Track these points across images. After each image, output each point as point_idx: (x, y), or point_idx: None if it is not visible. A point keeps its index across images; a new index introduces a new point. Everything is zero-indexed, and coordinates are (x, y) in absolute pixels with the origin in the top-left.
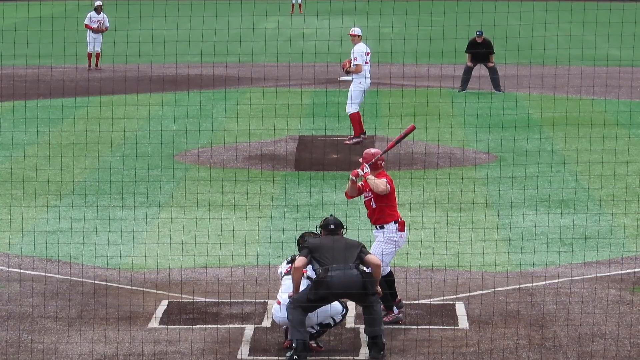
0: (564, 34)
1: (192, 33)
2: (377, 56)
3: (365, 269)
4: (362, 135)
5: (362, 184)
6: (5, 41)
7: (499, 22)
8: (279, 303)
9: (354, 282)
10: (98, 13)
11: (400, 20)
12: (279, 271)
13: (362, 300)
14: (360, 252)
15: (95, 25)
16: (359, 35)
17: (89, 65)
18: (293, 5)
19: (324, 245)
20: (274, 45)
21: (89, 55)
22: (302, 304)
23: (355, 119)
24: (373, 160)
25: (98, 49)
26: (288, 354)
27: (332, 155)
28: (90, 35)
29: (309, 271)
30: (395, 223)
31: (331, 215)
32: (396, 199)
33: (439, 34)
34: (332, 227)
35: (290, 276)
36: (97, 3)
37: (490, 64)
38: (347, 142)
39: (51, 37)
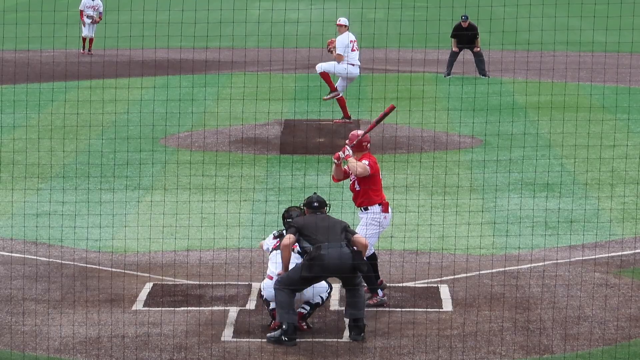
0: (549, 17)
1: (172, 17)
2: (360, 41)
3: (354, 248)
4: (346, 120)
5: (347, 167)
6: None
7: (482, 4)
8: (270, 278)
9: (347, 260)
10: None
11: (383, 5)
12: (265, 247)
13: (349, 280)
14: (346, 231)
15: (90, 12)
16: (345, 26)
17: (83, 49)
18: None
19: (311, 223)
20: (255, 30)
21: (84, 39)
22: (289, 286)
23: (326, 78)
24: (355, 142)
25: (92, 34)
26: (274, 333)
27: (316, 139)
28: (87, 20)
29: (297, 248)
30: (379, 205)
31: (315, 193)
32: (381, 182)
33: (423, 18)
34: (315, 204)
35: (278, 251)
36: None
37: (477, 49)
38: (326, 98)
39: (40, 20)
